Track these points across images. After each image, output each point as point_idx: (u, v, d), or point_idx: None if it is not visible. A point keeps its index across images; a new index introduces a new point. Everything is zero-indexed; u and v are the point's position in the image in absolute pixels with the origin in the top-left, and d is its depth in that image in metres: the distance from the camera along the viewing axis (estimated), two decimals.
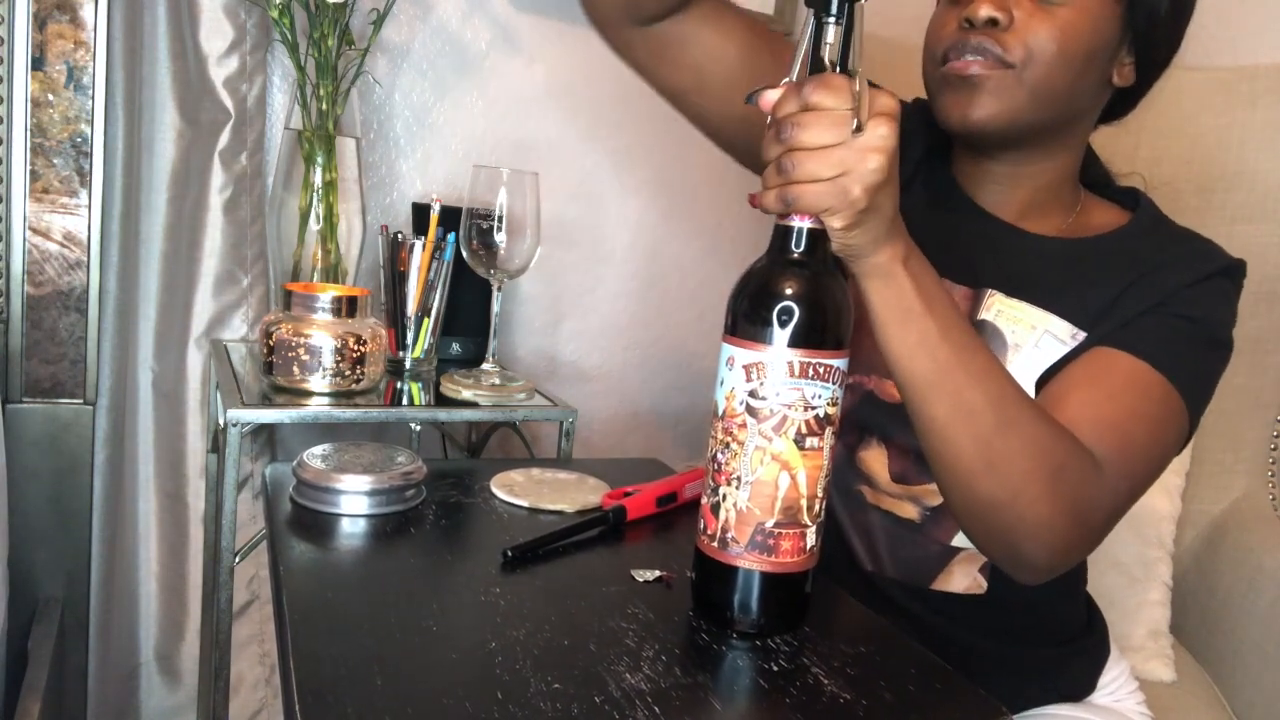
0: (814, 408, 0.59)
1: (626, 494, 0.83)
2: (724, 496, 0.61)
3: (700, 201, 1.65)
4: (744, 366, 0.60)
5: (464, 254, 1.13)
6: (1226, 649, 1.26)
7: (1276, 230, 1.31)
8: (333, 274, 1.21)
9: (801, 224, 0.60)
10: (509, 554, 0.70)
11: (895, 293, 0.64)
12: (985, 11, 0.75)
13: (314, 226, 1.20)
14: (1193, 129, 1.34)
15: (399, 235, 1.16)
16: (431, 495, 0.82)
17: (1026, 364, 0.80)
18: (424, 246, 1.16)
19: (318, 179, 1.19)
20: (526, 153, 1.49)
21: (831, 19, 0.59)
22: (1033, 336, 0.80)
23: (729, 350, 0.61)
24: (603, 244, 1.61)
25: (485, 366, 1.17)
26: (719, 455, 0.62)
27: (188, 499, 1.29)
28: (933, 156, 0.90)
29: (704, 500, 0.64)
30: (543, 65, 1.48)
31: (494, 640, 0.59)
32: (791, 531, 0.61)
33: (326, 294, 1.05)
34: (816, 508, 0.62)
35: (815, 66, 0.59)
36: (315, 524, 0.75)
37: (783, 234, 0.61)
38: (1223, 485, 1.38)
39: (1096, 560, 0.95)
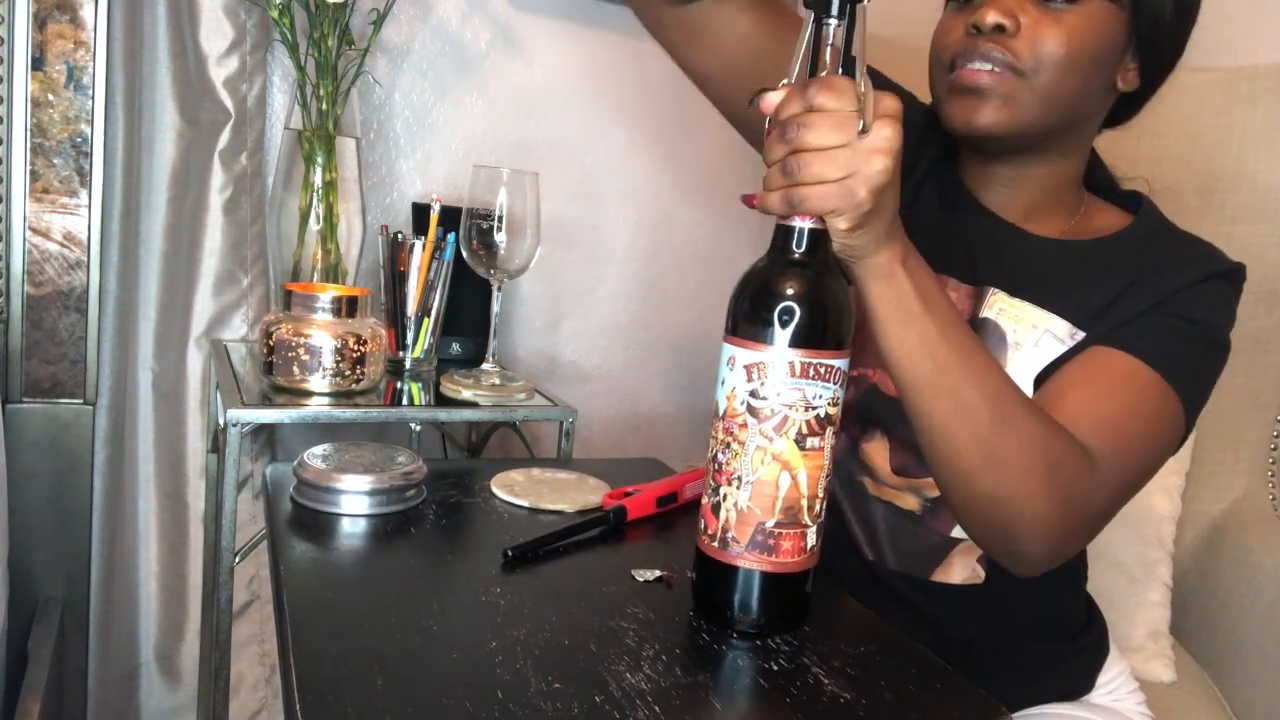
0: (815, 408, 0.59)
1: (627, 494, 0.83)
2: (725, 496, 0.61)
3: (701, 201, 1.65)
4: (745, 366, 0.60)
5: (464, 254, 1.13)
6: (1226, 649, 1.26)
7: (1276, 230, 1.31)
8: (333, 274, 1.21)
9: (803, 224, 0.60)
10: (509, 554, 0.70)
11: (895, 293, 0.64)
12: (993, 18, 0.75)
13: (314, 226, 1.20)
14: (1193, 129, 1.35)
15: (399, 235, 1.16)
16: (432, 495, 0.82)
17: (1026, 362, 0.80)
18: (424, 246, 1.16)
19: (318, 179, 1.19)
20: (526, 153, 1.49)
21: (833, 19, 0.59)
22: (1033, 335, 0.81)
23: (730, 350, 0.61)
24: (603, 244, 1.61)
25: (485, 366, 1.17)
26: (720, 455, 0.62)
27: (188, 499, 1.29)
28: (943, 158, 0.91)
29: (704, 500, 0.64)
30: (543, 65, 1.48)
31: (494, 640, 0.59)
32: (792, 531, 0.61)
33: (326, 294, 1.05)
34: (817, 508, 0.62)
35: (816, 68, 0.59)
36: (315, 524, 0.75)
37: (784, 234, 0.61)
38: (1223, 485, 1.38)
39: (1097, 560, 0.96)
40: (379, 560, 0.70)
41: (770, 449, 0.60)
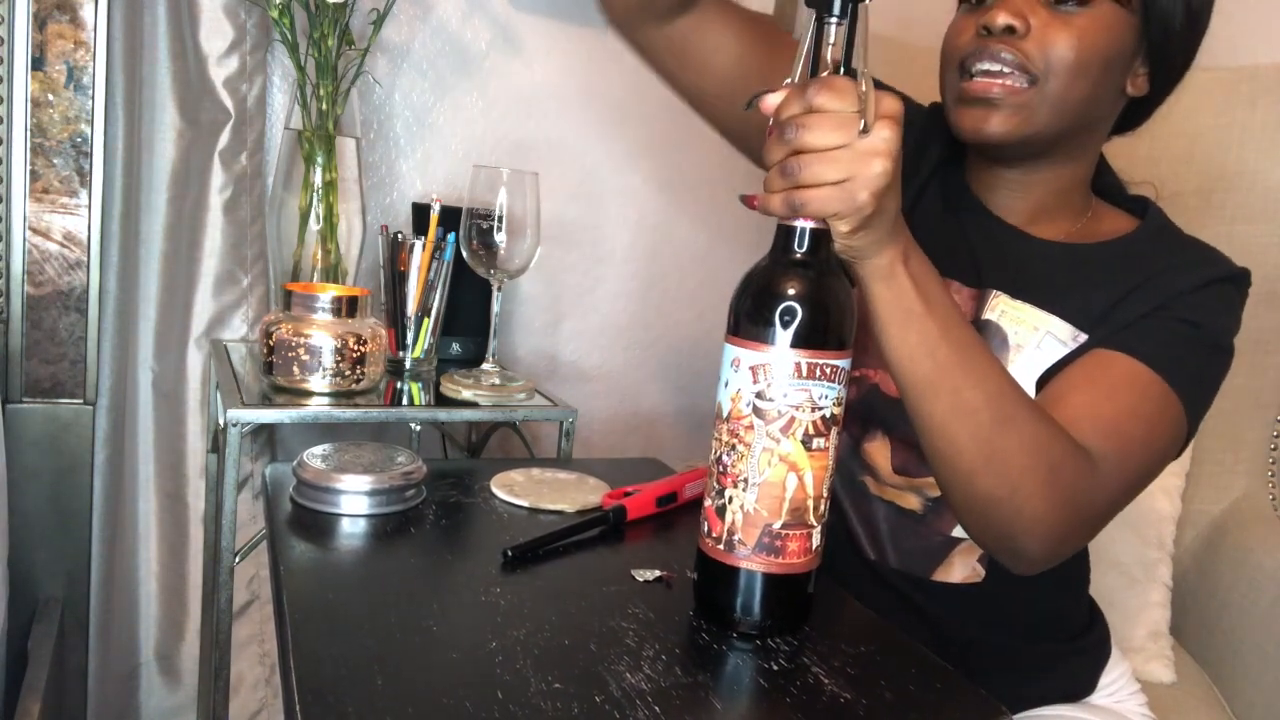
0: (821, 408, 0.59)
1: (626, 494, 0.83)
2: (730, 499, 0.61)
3: (700, 201, 1.65)
4: (751, 368, 0.59)
5: (464, 254, 1.13)
6: (1226, 649, 1.26)
7: (1276, 230, 1.31)
8: (333, 274, 1.21)
9: (805, 224, 0.60)
10: (509, 554, 0.70)
11: (896, 294, 0.64)
12: (1003, 19, 0.75)
13: (314, 226, 1.20)
14: (1192, 129, 1.34)
15: (399, 235, 1.16)
16: (431, 495, 0.82)
17: (1027, 364, 0.80)
18: (424, 246, 1.16)
19: (318, 179, 1.19)
20: (526, 153, 1.49)
21: (834, 19, 0.59)
22: (1034, 337, 0.81)
23: (734, 351, 0.61)
24: (603, 244, 1.61)
25: (485, 366, 1.17)
26: (724, 457, 0.61)
27: (188, 499, 1.29)
28: (949, 160, 0.91)
29: (708, 502, 0.63)
30: (543, 65, 1.48)
31: (494, 640, 0.59)
32: (798, 532, 0.61)
33: (326, 294, 1.04)
34: (822, 508, 0.62)
35: (818, 68, 0.59)
36: (315, 524, 0.75)
37: (785, 234, 0.61)
38: (1223, 485, 1.38)
39: (1097, 561, 0.95)
40: (379, 560, 0.70)
41: (777, 450, 0.60)
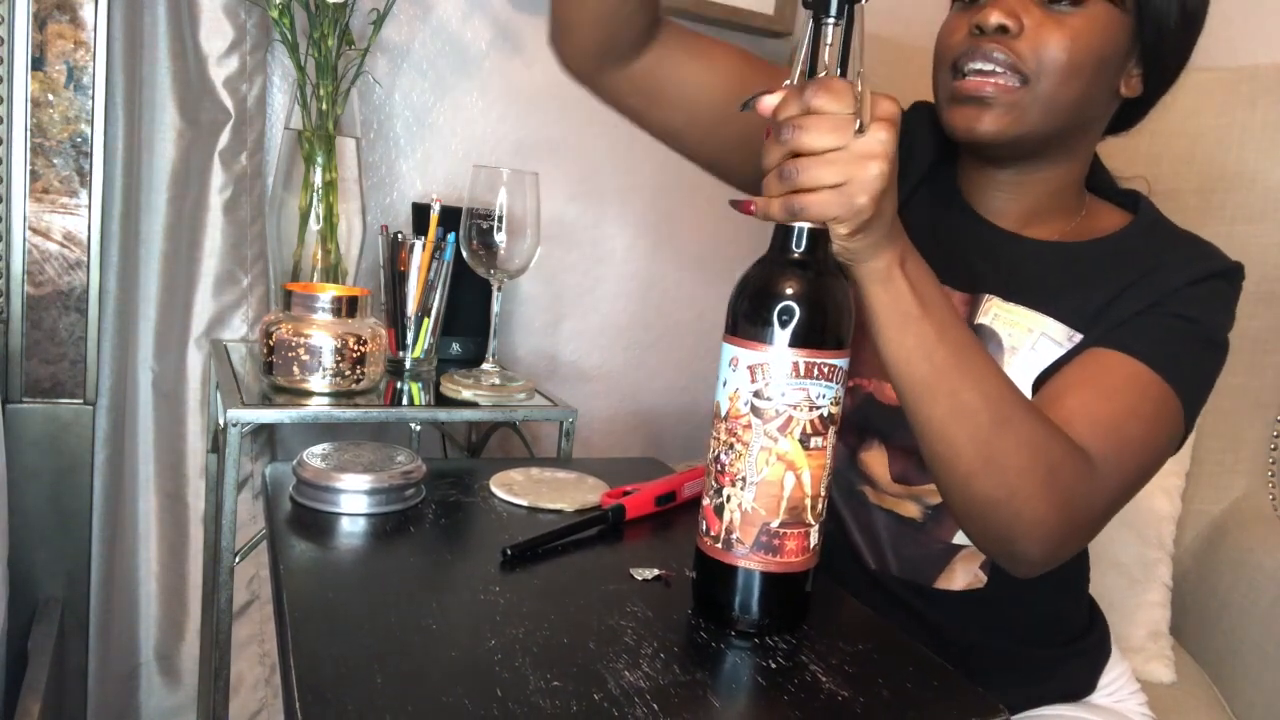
0: (818, 407, 0.60)
1: (625, 493, 0.83)
2: (728, 498, 0.61)
3: (700, 201, 1.65)
4: (749, 367, 0.59)
5: (464, 254, 1.13)
6: (1226, 649, 1.26)
7: (1276, 230, 1.31)
8: (333, 274, 1.21)
9: (802, 224, 0.60)
10: (508, 553, 0.71)
11: (894, 296, 0.64)
12: (996, 19, 0.75)
13: (314, 226, 1.20)
14: (1193, 129, 1.35)
15: (399, 235, 1.16)
16: (431, 495, 0.83)
17: (1023, 366, 0.80)
18: (424, 246, 1.16)
19: (318, 179, 1.19)
20: (526, 153, 1.50)
21: (831, 20, 0.59)
22: (1029, 339, 0.81)
23: (732, 351, 0.61)
24: (603, 244, 1.61)
25: (485, 366, 1.17)
26: (722, 456, 0.62)
27: (188, 499, 1.29)
28: (939, 161, 0.90)
29: (706, 501, 0.64)
30: (543, 65, 1.48)
31: (493, 638, 0.59)
32: (796, 531, 0.61)
33: (326, 294, 1.05)
34: (820, 506, 0.62)
35: (815, 69, 0.59)
36: (315, 523, 0.75)
37: (784, 234, 0.61)
38: (1223, 485, 1.38)
39: (1097, 561, 0.95)
40: (379, 560, 0.71)
41: (775, 449, 0.60)
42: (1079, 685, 0.91)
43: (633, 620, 0.63)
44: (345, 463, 0.79)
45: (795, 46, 0.61)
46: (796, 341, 0.59)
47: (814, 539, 0.62)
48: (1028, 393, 0.79)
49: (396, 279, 1.16)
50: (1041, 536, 0.69)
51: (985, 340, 0.81)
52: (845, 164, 0.57)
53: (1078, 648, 0.90)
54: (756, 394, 0.59)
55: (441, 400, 1.12)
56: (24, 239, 1.12)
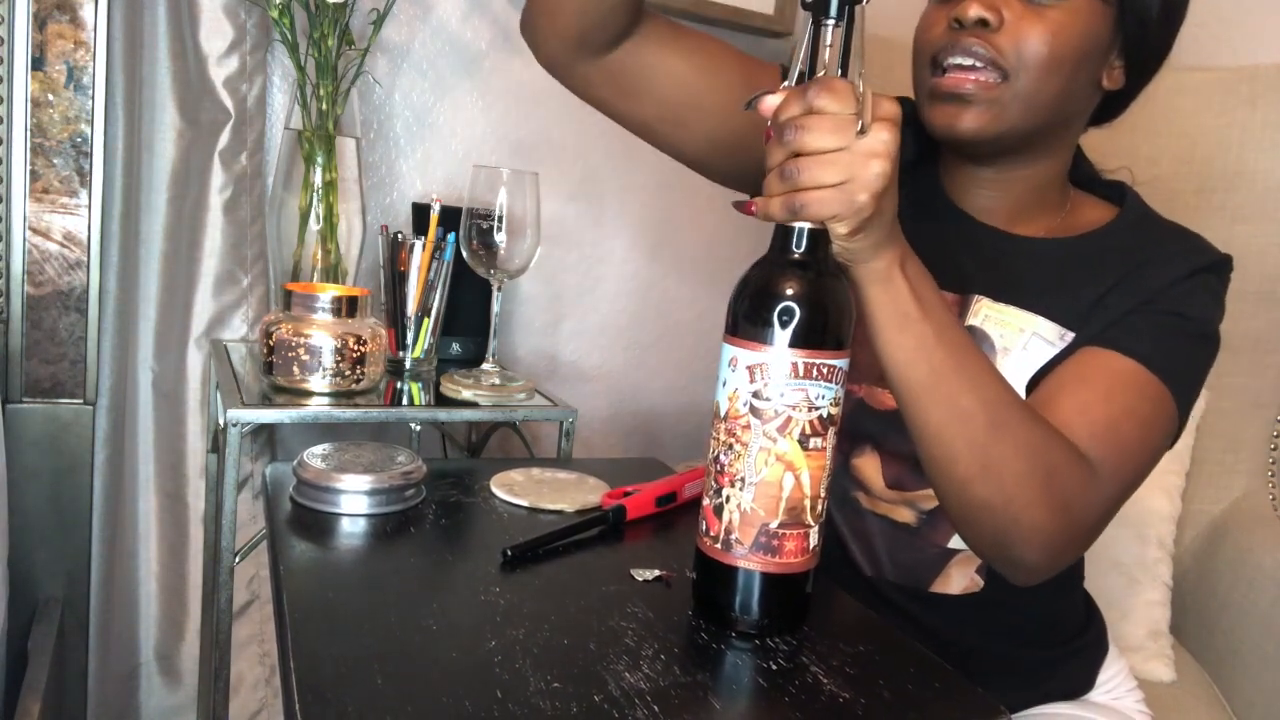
0: (817, 408, 0.59)
1: (626, 494, 0.83)
2: (727, 498, 0.61)
3: (700, 201, 1.65)
4: (748, 367, 0.59)
5: (464, 254, 1.13)
6: (1226, 649, 1.26)
7: (1276, 230, 1.31)
8: (333, 274, 1.21)
9: (803, 224, 0.60)
10: (509, 553, 0.70)
11: (893, 297, 0.64)
12: (975, 12, 0.74)
13: (314, 226, 1.20)
14: (1193, 129, 1.35)
15: (399, 235, 1.16)
16: (431, 495, 0.83)
17: (1016, 367, 0.80)
18: (424, 246, 1.16)
19: (318, 179, 1.19)
20: (526, 153, 1.50)
21: (831, 21, 0.59)
22: (1020, 339, 0.80)
23: (731, 351, 0.61)
24: (603, 244, 1.61)
25: (485, 366, 1.17)
26: (722, 457, 0.62)
27: (188, 499, 1.29)
28: (921, 160, 0.90)
29: (705, 502, 0.63)
30: None
31: (494, 639, 0.59)
32: (795, 532, 0.61)
33: (326, 294, 1.05)
34: (819, 507, 0.62)
35: (815, 70, 0.59)
36: (315, 524, 0.75)
37: (784, 234, 0.61)
38: (1223, 485, 1.38)
39: (1097, 561, 0.96)
40: (379, 560, 0.70)
41: (774, 450, 0.60)
42: (1078, 684, 0.91)
43: (633, 621, 0.63)
44: (345, 463, 0.79)
45: (794, 46, 0.61)
46: (796, 342, 0.59)
47: (814, 540, 0.62)
48: (1021, 394, 0.79)
49: (396, 279, 1.16)
50: (1040, 543, 0.69)
51: (977, 342, 0.81)
52: (847, 163, 0.57)
53: (1076, 646, 0.90)
54: (755, 394, 0.59)
55: (441, 400, 1.12)
56: (24, 239, 1.12)
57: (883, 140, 0.57)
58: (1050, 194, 0.85)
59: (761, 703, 0.57)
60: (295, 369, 1.03)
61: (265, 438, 1.32)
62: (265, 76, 1.27)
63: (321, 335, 1.03)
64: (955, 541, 0.83)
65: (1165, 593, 1.28)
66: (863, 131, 0.57)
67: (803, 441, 0.60)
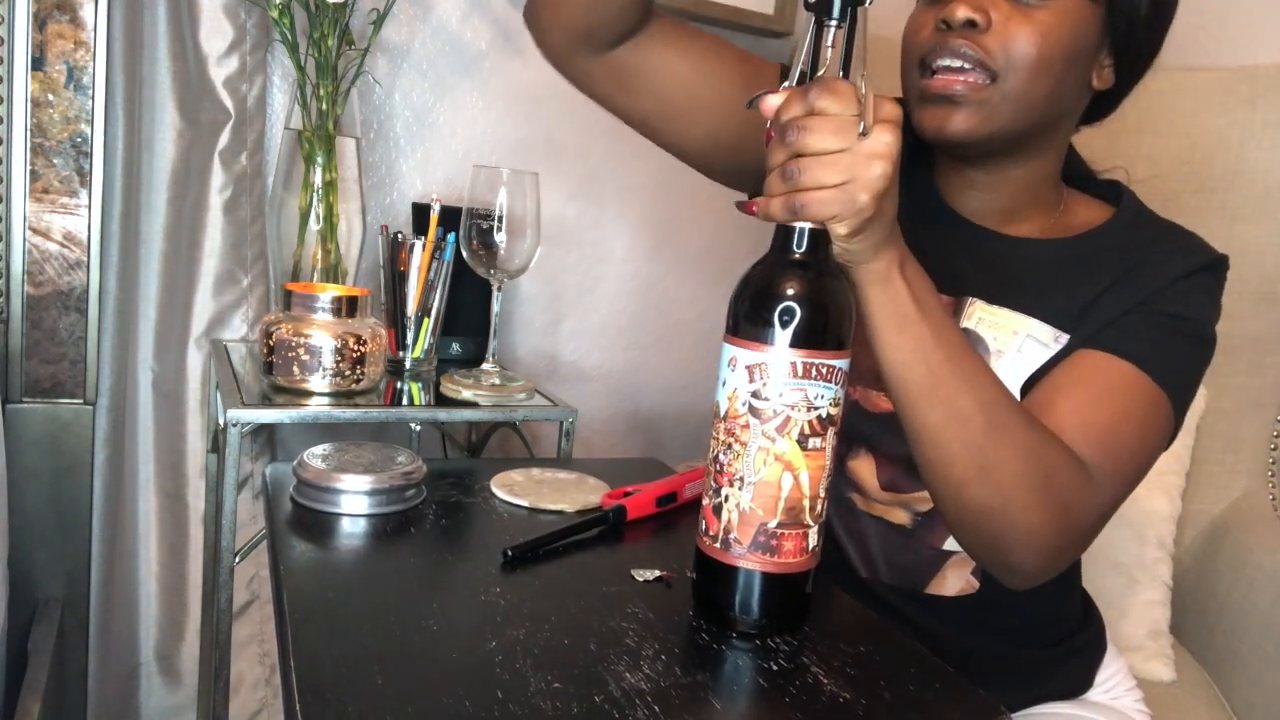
0: (816, 408, 0.59)
1: (626, 494, 0.83)
2: (726, 498, 0.61)
3: (700, 201, 1.66)
4: (747, 367, 0.60)
5: (464, 254, 1.13)
6: (1226, 649, 1.26)
7: (1276, 230, 1.31)
8: (333, 274, 1.21)
9: (803, 224, 0.60)
10: (509, 554, 0.70)
11: (892, 298, 0.64)
12: (963, 13, 0.73)
13: (314, 226, 1.20)
14: (1193, 129, 1.35)
15: (399, 235, 1.16)
16: (431, 495, 0.83)
17: (1010, 369, 0.79)
18: (424, 246, 1.16)
19: (318, 179, 1.19)
20: (526, 153, 1.50)
21: (833, 22, 0.59)
22: (1015, 341, 0.80)
23: (731, 351, 0.61)
24: (603, 244, 1.61)
25: (485, 366, 1.17)
26: (721, 456, 0.62)
27: (188, 499, 1.29)
28: (914, 162, 0.89)
29: (705, 501, 0.64)
30: (542, 65, 1.47)
31: (494, 639, 0.59)
32: (794, 532, 0.61)
33: (326, 294, 1.05)
34: (819, 507, 0.62)
35: (816, 71, 0.59)
36: (315, 524, 0.75)
37: (784, 234, 0.61)
38: (1223, 485, 1.38)
39: (1096, 561, 0.96)
40: (379, 560, 0.70)
41: (773, 450, 0.60)
42: (1076, 683, 0.91)
43: (634, 621, 0.63)
44: (346, 463, 0.79)
45: (794, 46, 0.61)
46: (796, 342, 0.59)
47: (813, 540, 0.62)
48: (1016, 397, 0.78)
49: (396, 279, 1.16)
50: (1036, 547, 0.68)
51: (971, 344, 0.81)
52: (848, 164, 0.57)
53: (1074, 645, 0.90)
54: (754, 394, 0.59)
55: (441, 400, 1.12)
56: (24, 239, 1.12)
57: (884, 142, 0.57)
58: (1043, 194, 0.85)
59: (762, 703, 0.57)
60: (295, 369, 1.03)
61: (265, 438, 1.32)
62: (265, 76, 1.27)
63: (321, 335, 1.03)
64: (950, 543, 0.82)
65: (1165, 593, 1.28)
66: (864, 133, 0.57)
67: (801, 441, 0.60)
